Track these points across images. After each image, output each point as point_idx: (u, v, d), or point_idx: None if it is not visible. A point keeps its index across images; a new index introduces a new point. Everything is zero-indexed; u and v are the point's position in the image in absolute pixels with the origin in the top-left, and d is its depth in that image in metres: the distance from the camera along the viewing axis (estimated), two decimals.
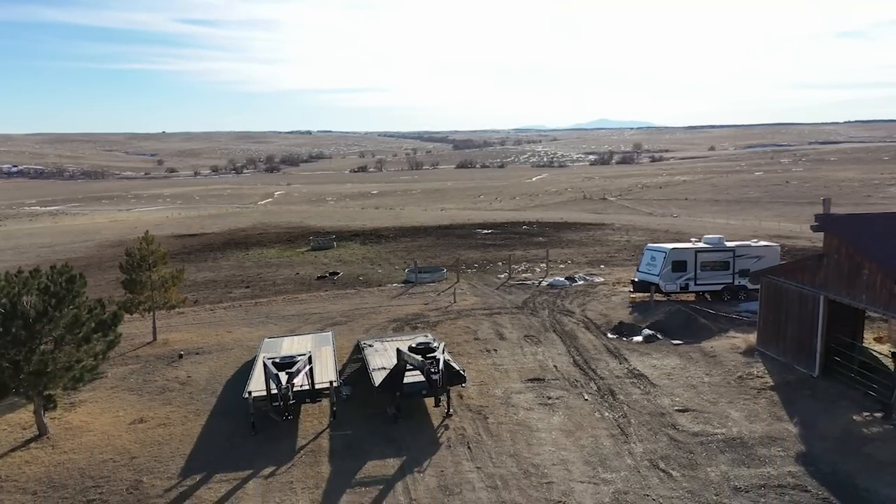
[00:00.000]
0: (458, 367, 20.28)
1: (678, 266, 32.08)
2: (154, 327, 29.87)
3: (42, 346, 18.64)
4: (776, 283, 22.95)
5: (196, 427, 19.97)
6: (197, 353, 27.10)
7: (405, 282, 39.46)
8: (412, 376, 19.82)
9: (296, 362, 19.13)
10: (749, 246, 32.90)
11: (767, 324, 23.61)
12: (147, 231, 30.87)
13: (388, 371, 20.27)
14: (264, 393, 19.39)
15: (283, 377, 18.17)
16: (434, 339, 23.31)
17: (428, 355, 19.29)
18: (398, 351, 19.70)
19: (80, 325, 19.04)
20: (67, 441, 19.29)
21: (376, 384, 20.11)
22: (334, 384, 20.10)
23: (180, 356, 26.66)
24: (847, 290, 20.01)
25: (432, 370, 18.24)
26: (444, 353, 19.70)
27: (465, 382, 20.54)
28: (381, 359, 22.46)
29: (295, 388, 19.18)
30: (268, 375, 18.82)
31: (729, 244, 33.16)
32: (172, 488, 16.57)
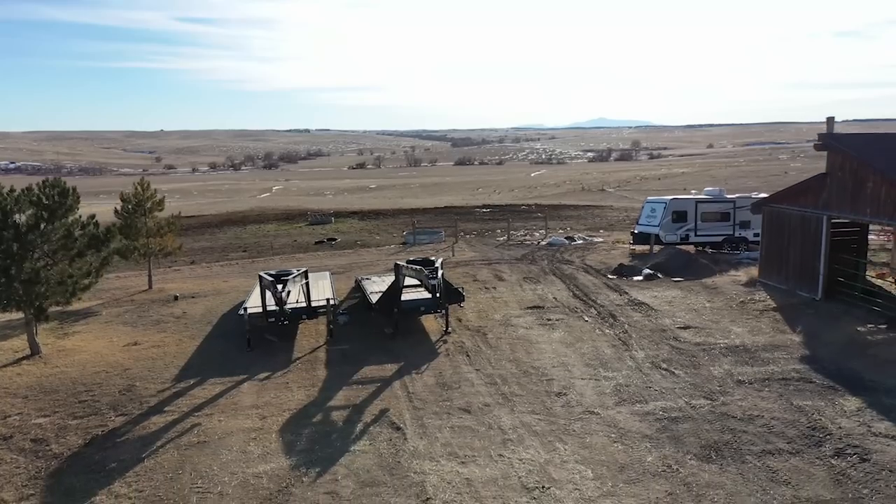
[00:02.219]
0: (456, 286, 20.01)
1: (679, 217, 31.82)
2: (150, 275, 29.57)
3: (35, 260, 18.37)
4: (778, 210, 22.70)
5: (191, 347, 19.67)
6: (192, 297, 26.78)
7: (403, 243, 39.25)
8: (410, 293, 19.56)
9: (291, 273, 18.88)
10: (750, 197, 32.61)
11: (769, 254, 23.35)
12: (143, 177, 30.57)
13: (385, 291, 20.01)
14: (260, 309, 19.15)
15: (279, 286, 17.91)
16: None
17: (427, 268, 19.02)
18: (396, 265, 19.42)
19: (72, 240, 18.75)
20: (60, 359, 18.98)
21: (373, 303, 19.84)
22: (331, 301, 19.82)
23: (175, 298, 26.36)
24: (851, 206, 19.77)
25: (431, 277, 17.94)
26: (442, 268, 19.42)
27: (463, 301, 20.27)
28: (378, 286, 22.20)
29: (291, 305, 18.94)
30: (263, 287, 18.56)
31: (729, 196, 32.94)
32: (165, 390, 16.27)
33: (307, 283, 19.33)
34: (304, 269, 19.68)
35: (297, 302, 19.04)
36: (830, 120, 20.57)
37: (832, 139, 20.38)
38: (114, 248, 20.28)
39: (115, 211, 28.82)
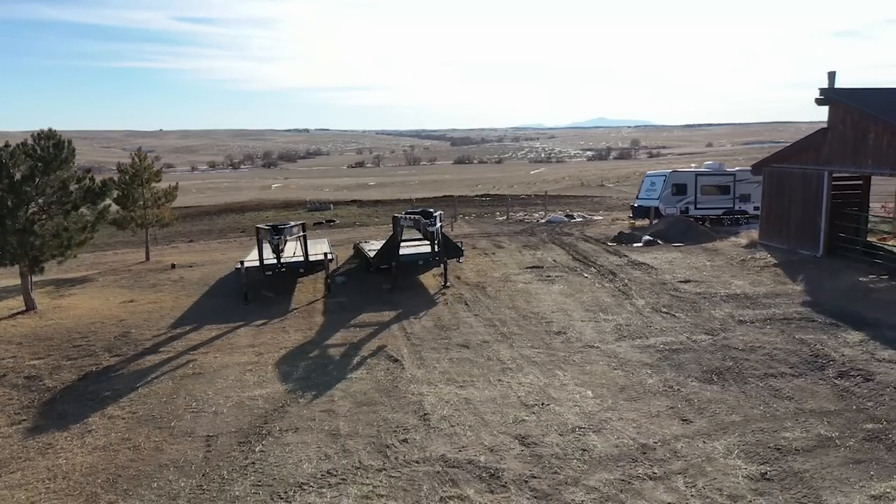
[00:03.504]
0: (455, 241, 19.88)
1: (678, 189, 31.69)
2: (147, 247, 29.45)
3: (30, 214, 18.23)
4: (778, 170, 22.56)
5: (187, 303, 19.51)
6: (190, 266, 26.61)
7: None
8: (408, 247, 19.43)
9: (288, 224, 18.77)
10: (750, 170, 32.50)
11: (770, 215, 23.20)
12: (140, 148, 30.44)
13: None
14: (257, 263, 19.04)
15: (277, 235, 17.81)
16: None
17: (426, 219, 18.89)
18: (394, 217, 19.29)
19: (67, 193, 18.60)
20: (55, 313, 18.81)
21: (371, 257, 19.72)
22: (328, 256, 19.70)
23: (172, 266, 26.20)
24: (853, 159, 19.64)
25: (429, 225, 17.79)
26: (440, 220, 19.27)
27: (462, 256, 20.15)
28: (376, 246, 22.05)
29: (288, 258, 18.83)
30: (260, 238, 18.45)
31: (729, 169, 32.82)
32: (161, 335, 16.12)
33: (304, 236, 19.19)
34: (301, 222, 19.55)
35: (293, 255, 18.92)
36: (832, 74, 20.44)
37: (833, 93, 20.25)
38: (109, 205, 20.08)
39: (112, 181, 28.65)
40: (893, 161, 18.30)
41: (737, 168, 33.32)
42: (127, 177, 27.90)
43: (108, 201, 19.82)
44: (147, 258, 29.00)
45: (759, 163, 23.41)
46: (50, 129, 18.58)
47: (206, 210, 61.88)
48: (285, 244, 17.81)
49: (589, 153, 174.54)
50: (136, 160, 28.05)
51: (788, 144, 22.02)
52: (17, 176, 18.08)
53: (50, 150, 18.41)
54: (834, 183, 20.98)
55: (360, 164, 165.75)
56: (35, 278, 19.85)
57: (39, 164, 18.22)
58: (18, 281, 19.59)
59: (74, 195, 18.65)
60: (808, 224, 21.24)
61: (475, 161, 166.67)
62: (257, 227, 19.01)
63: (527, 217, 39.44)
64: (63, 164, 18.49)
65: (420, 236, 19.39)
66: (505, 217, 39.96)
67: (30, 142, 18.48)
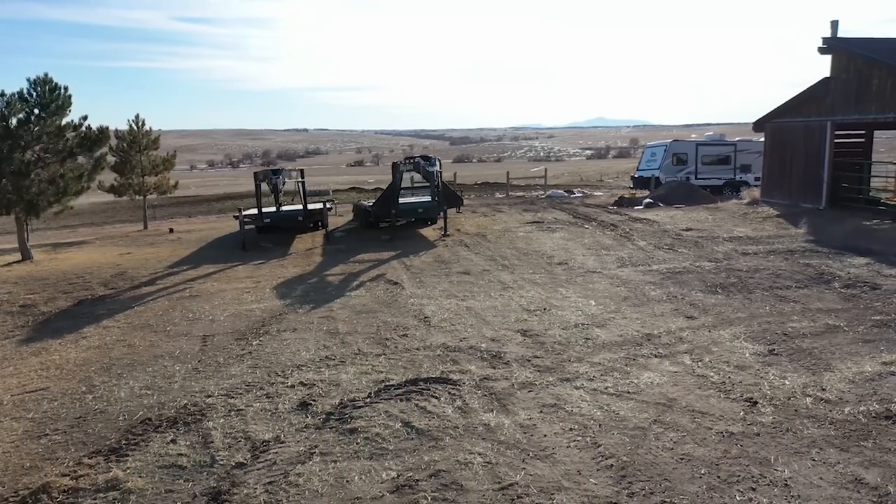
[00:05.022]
0: (455, 190, 19.73)
1: (679, 160, 31.51)
2: (145, 216, 29.28)
3: (26, 160, 18.08)
4: (780, 124, 22.39)
5: (184, 252, 19.35)
6: (188, 231, 26.45)
7: None
8: (408, 198, 19.29)
9: (286, 167, 18.65)
10: (751, 141, 32.35)
11: (772, 172, 23.02)
12: (137, 114, 30.24)
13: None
14: (256, 212, 18.91)
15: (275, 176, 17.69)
16: None
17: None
18: (394, 164, 19.12)
19: (63, 139, 18.44)
20: (51, 263, 18.63)
21: (370, 206, 19.59)
22: (327, 205, 19.56)
23: (171, 230, 26.03)
24: (856, 107, 19.47)
25: (430, 166, 17.63)
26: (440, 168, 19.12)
27: (462, 204, 20.01)
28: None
29: (287, 207, 18.71)
30: (258, 182, 18.34)
31: (730, 139, 32.66)
32: (158, 273, 15.95)
33: (303, 183, 19.06)
34: (301, 168, 19.42)
35: (292, 201, 18.79)
36: (834, 23, 20.27)
37: (837, 41, 20.10)
38: (106, 153, 19.92)
39: (111, 148, 28.48)
40: None
41: (737, 138, 33.14)
42: (125, 144, 27.68)
43: (104, 149, 19.62)
44: (145, 227, 28.80)
45: (761, 119, 23.20)
46: (45, 75, 18.39)
47: (204, 199, 61.70)
48: (284, 185, 17.67)
49: (588, 152, 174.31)
50: (134, 127, 27.83)
51: (789, 98, 21.81)
52: (14, 122, 17.92)
53: (45, 94, 18.22)
54: (836, 141, 20.80)
55: (360, 163, 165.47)
56: (31, 242, 19.66)
57: (36, 110, 18.04)
58: (15, 244, 19.40)
59: (70, 142, 18.46)
60: (810, 177, 21.06)
61: (474, 160, 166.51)
62: (255, 172, 18.86)
63: (526, 194, 39.29)
64: (59, 111, 18.29)
65: (420, 187, 19.24)
66: (504, 195, 39.81)
67: (26, 85, 18.30)
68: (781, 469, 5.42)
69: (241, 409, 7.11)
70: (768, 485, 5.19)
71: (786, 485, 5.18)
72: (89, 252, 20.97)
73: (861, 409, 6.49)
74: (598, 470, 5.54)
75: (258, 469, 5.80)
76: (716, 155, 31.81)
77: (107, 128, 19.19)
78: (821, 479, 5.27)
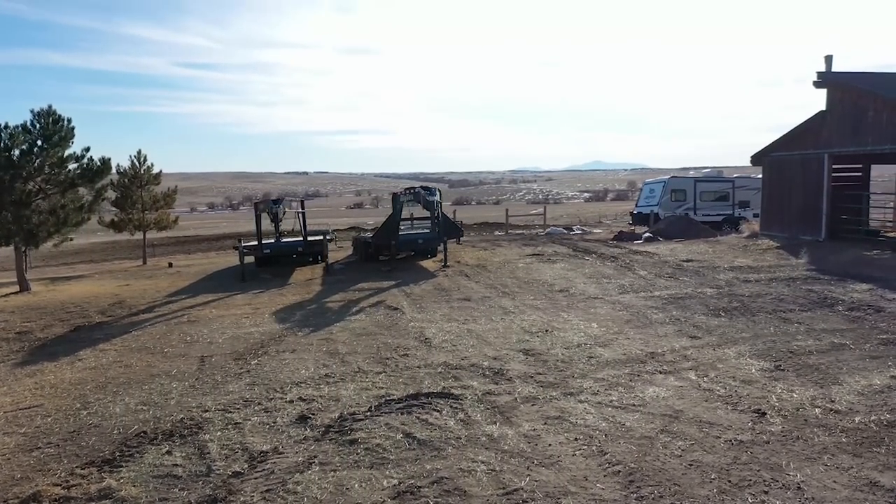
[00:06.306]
0: (454, 221, 19.76)
1: (678, 195, 31.66)
2: (144, 251, 29.25)
3: (27, 190, 18.14)
4: (778, 158, 22.55)
5: (183, 284, 19.26)
6: (187, 266, 26.40)
7: None
8: (408, 230, 19.32)
9: (287, 197, 18.70)
10: (749, 177, 32.58)
11: (770, 206, 23.12)
12: (139, 150, 30.43)
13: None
14: (255, 244, 18.91)
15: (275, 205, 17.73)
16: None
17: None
18: (393, 195, 19.18)
19: (65, 169, 18.51)
20: (49, 294, 18.53)
21: (370, 239, 19.59)
22: (327, 237, 19.58)
23: (170, 265, 25.99)
24: (852, 139, 19.64)
25: (430, 195, 17.67)
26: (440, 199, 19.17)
27: (462, 235, 20.00)
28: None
29: (287, 239, 18.72)
30: (258, 213, 18.38)
31: (728, 176, 32.86)
32: (156, 302, 15.83)
33: (304, 214, 19.08)
34: (301, 199, 19.49)
35: (292, 229, 18.85)
36: (829, 58, 20.59)
37: (831, 76, 20.37)
38: (108, 185, 19.98)
39: (112, 183, 28.59)
40: (894, 137, 18.28)
41: (735, 175, 33.34)
42: (126, 179, 27.78)
43: (107, 180, 19.68)
44: (144, 262, 28.74)
45: (759, 152, 23.38)
46: (49, 106, 18.54)
47: (205, 237, 61.80)
48: (284, 214, 17.70)
49: (586, 194, 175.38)
50: (136, 162, 27.98)
51: (786, 132, 22.01)
52: (16, 153, 18.01)
53: (49, 126, 18.34)
54: (834, 175, 20.94)
55: (359, 206, 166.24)
56: (29, 276, 19.59)
57: (39, 142, 18.15)
58: (13, 278, 19.33)
59: (72, 172, 18.53)
60: (809, 210, 21.13)
61: (473, 202, 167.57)
62: (255, 203, 18.90)
63: (526, 232, 39.35)
64: (62, 142, 18.40)
65: (420, 219, 19.26)
66: (504, 233, 39.87)
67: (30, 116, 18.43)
68: (794, 473, 5.28)
69: (239, 423, 6.96)
70: (781, 488, 5.05)
71: (799, 488, 5.04)
72: (87, 284, 20.86)
73: (872, 418, 6.37)
74: (605, 476, 5.39)
75: (255, 478, 5.65)
76: (714, 191, 31.98)
77: (109, 159, 19.30)
78: (834, 482, 5.13)
